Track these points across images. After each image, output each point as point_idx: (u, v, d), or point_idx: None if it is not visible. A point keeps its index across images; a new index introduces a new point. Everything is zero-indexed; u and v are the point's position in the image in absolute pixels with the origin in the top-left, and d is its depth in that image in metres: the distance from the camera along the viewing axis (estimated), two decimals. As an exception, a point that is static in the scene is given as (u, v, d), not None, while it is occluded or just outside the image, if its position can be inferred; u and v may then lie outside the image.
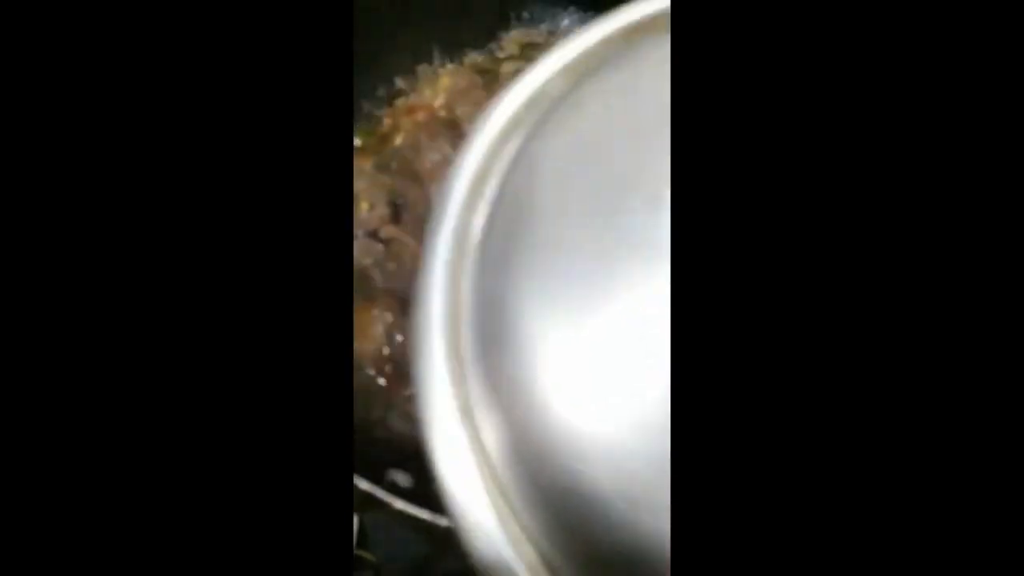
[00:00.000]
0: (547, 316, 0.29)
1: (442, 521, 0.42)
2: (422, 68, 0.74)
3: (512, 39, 0.75)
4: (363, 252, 0.61)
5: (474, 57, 0.74)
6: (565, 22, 0.74)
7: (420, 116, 0.71)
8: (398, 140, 0.70)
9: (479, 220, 0.34)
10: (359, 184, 0.65)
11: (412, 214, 0.64)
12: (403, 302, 0.60)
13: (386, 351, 0.59)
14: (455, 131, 0.68)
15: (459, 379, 0.32)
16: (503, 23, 0.75)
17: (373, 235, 0.62)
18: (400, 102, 0.73)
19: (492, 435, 0.31)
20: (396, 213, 0.64)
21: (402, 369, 0.58)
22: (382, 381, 0.59)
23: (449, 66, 0.74)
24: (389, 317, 0.60)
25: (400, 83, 0.74)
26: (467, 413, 0.32)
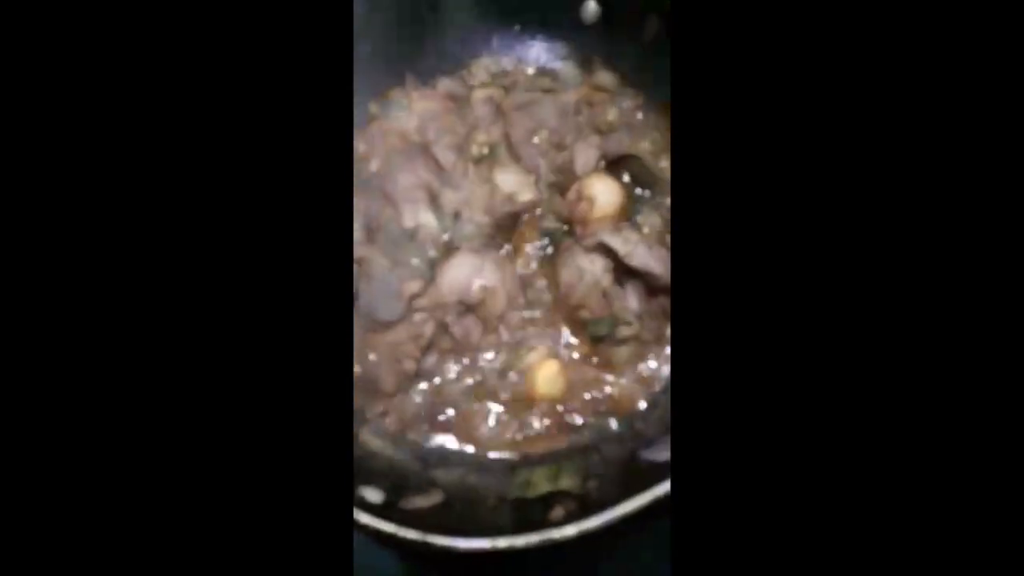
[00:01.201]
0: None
1: (408, 534, 0.43)
2: (395, 93, 0.77)
3: (482, 66, 0.78)
4: (337, 272, 0.62)
5: (446, 83, 0.77)
6: (532, 51, 0.78)
7: (394, 140, 0.73)
8: (374, 164, 0.71)
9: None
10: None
11: (385, 235, 0.65)
12: (374, 321, 0.61)
13: (358, 369, 0.60)
14: (428, 155, 0.70)
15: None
16: (473, 51, 0.78)
17: (346, 255, 0.64)
18: (374, 126, 0.75)
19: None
20: (370, 234, 0.66)
21: (373, 386, 0.59)
22: (355, 398, 0.60)
23: (421, 91, 0.76)
24: (361, 335, 0.61)
25: (373, 108, 0.76)
26: None
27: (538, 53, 0.77)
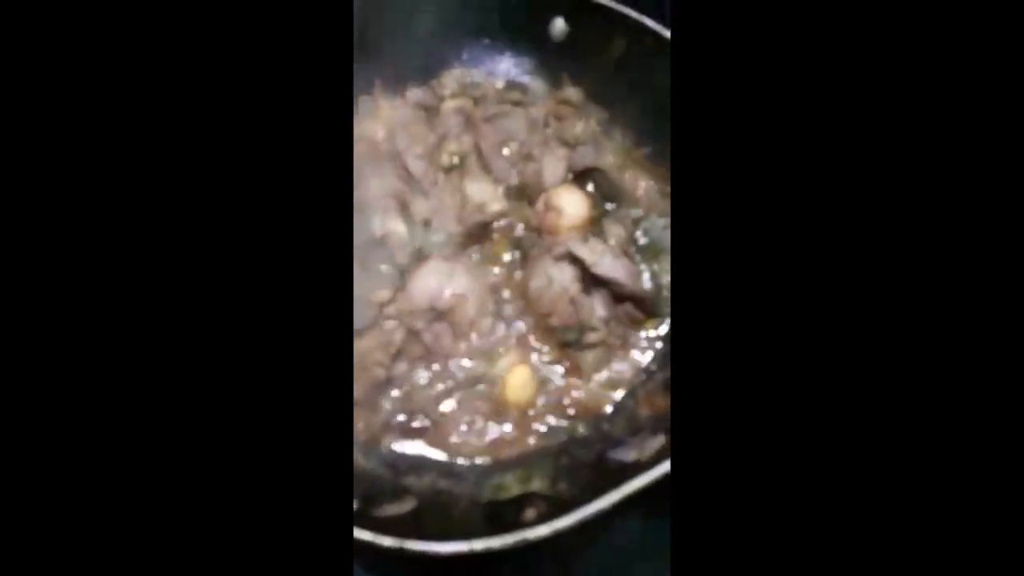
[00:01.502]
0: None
1: (384, 541, 0.43)
2: (364, 100, 0.77)
3: (452, 77, 0.79)
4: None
5: (416, 92, 0.78)
6: (502, 65, 0.79)
7: (363, 147, 0.73)
8: (341, 169, 0.71)
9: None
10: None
11: (355, 241, 0.65)
12: (345, 328, 0.60)
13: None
14: (398, 163, 0.71)
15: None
16: (444, 62, 0.79)
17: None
18: (343, 133, 0.75)
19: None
20: (338, 240, 0.66)
21: (344, 394, 0.59)
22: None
23: (391, 100, 0.77)
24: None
25: (343, 115, 0.76)
26: None
27: (507, 67, 0.79)
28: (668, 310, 0.64)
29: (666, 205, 0.70)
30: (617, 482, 0.47)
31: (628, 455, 0.53)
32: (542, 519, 0.46)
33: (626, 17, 0.70)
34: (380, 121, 0.75)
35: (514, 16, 0.76)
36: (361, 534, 0.43)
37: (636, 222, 0.70)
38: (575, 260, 0.63)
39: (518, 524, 0.46)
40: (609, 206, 0.71)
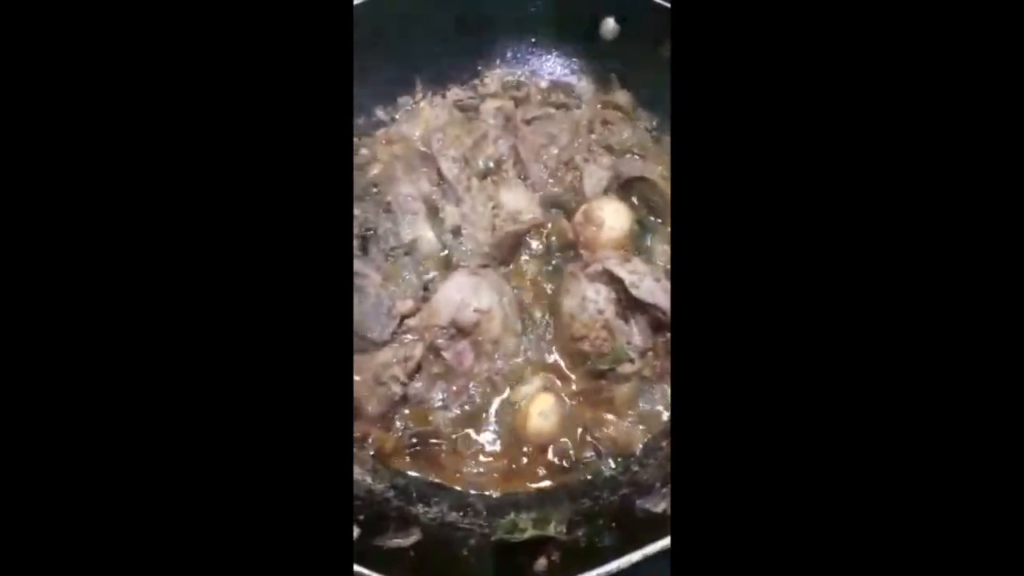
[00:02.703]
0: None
1: (380, 581, 0.39)
2: (403, 100, 0.74)
3: (495, 76, 0.75)
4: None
5: (456, 92, 0.74)
6: (548, 64, 0.75)
7: (398, 148, 0.71)
8: (374, 171, 0.69)
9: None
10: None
11: (380, 247, 0.63)
12: (363, 339, 0.58)
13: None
14: (431, 165, 0.67)
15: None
16: (487, 61, 0.75)
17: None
18: (380, 132, 0.73)
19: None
20: (364, 245, 0.63)
21: (356, 410, 0.56)
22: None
23: (431, 99, 0.74)
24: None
25: (380, 113, 0.74)
26: None
27: (553, 67, 0.75)
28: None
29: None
30: (642, 538, 0.42)
31: (658, 505, 0.48)
32: (555, 570, 0.42)
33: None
34: (418, 121, 0.72)
35: (563, 14, 0.71)
36: (359, 569, 0.40)
37: (684, 241, 0.64)
38: (613, 280, 0.57)
39: (529, 573, 0.42)
40: (655, 221, 0.65)
